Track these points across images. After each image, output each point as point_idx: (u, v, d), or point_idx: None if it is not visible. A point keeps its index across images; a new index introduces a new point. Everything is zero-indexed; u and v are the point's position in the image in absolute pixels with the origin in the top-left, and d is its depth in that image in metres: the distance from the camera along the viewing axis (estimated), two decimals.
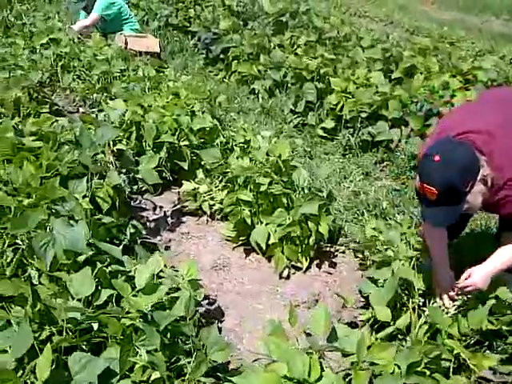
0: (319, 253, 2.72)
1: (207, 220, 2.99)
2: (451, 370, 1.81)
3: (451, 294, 2.06)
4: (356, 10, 10.70)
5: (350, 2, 11.49)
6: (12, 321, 1.66)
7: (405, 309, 2.12)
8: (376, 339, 1.96)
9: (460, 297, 2.05)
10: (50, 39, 4.91)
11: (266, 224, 2.61)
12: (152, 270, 1.71)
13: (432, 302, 2.09)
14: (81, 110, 4.27)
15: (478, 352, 1.89)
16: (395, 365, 1.64)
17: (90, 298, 1.69)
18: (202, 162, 3.23)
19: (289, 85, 4.86)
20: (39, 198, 1.99)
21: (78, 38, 5.20)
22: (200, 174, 3.20)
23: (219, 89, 5.24)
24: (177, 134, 3.11)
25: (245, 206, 2.61)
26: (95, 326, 1.58)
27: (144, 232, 2.58)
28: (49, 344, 1.43)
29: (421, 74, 5.03)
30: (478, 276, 1.96)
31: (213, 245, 2.80)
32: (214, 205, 2.96)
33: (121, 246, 2.00)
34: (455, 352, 1.83)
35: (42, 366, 1.38)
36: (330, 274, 2.65)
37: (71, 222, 1.93)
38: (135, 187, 2.90)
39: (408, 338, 2.03)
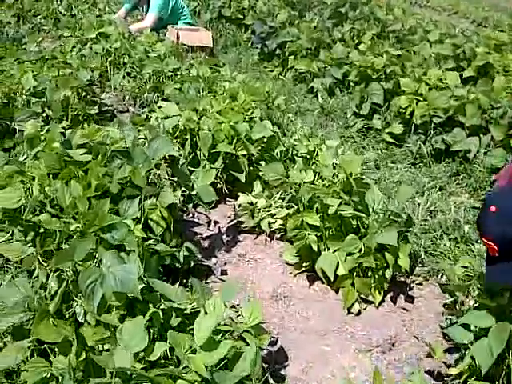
0: (393, 284, 2.42)
1: (266, 239, 2.74)
2: None
3: None
4: None
5: None
6: (54, 373, 1.47)
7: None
8: None
9: None
10: (100, 33, 4.77)
11: (334, 251, 2.34)
12: (213, 322, 1.47)
13: None
14: (131, 109, 4.11)
15: None
16: None
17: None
18: (261, 173, 2.99)
19: (351, 83, 4.54)
20: (87, 224, 1.79)
21: (129, 33, 5.06)
22: (258, 185, 2.95)
23: (275, 87, 4.98)
24: (234, 142, 2.87)
25: (311, 230, 2.34)
26: None
27: (198, 254, 2.36)
28: None
29: (497, 73, 4.60)
30: None
31: (272, 269, 2.54)
32: (273, 223, 2.71)
33: (176, 285, 1.78)
34: None
35: None
36: (407, 310, 2.35)
37: (122, 254, 1.72)
38: (190, 205, 2.67)
39: None
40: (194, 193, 2.39)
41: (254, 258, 2.61)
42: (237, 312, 1.83)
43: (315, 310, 2.32)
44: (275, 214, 2.75)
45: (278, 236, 2.75)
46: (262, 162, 3.00)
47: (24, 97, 3.25)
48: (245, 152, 2.86)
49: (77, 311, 1.70)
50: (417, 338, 2.10)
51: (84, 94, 3.66)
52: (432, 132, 3.66)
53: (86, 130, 2.20)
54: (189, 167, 2.95)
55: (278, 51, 5.24)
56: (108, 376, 1.44)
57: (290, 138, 3.23)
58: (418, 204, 3.19)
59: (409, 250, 2.30)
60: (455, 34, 5.90)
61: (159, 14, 5.61)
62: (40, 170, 2.10)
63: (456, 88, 3.71)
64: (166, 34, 5.45)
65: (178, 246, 2.25)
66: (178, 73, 3.65)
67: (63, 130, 3.09)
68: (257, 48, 5.70)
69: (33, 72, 3.45)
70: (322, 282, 2.44)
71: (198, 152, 2.92)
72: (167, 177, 2.33)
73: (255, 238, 2.77)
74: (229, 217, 2.92)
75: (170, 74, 3.62)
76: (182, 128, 2.86)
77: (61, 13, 6.16)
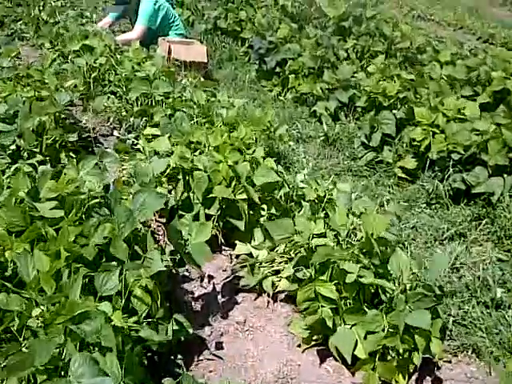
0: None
1: (268, 301, 2.41)
2: None
3: None
4: (421, 12, 9.93)
5: (412, 2, 10.73)
6: None
7: None
8: None
9: None
10: (84, 45, 4.44)
11: (352, 325, 2.02)
12: None
13: None
14: (115, 133, 3.77)
15: None
16: None
17: None
18: (261, 219, 2.67)
19: (357, 108, 4.25)
20: (54, 313, 1.45)
21: (116, 45, 4.73)
22: (258, 233, 2.63)
23: (274, 109, 4.67)
24: (233, 185, 2.55)
25: (325, 302, 2.01)
26: None
27: (190, 328, 2.02)
28: None
29: None
30: None
31: (276, 341, 2.21)
32: (278, 281, 2.38)
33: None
34: None
35: None
36: None
37: (96, 354, 1.38)
38: (182, 269, 2.34)
39: None
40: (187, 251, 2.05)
41: (255, 326, 2.28)
42: None
43: None
44: (279, 271, 2.43)
45: (283, 296, 2.43)
46: (264, 206, 2.69)
47: None
48: (245, 196, 2.54)
49: None
50: None
51: (62, 117, 3.32)
52: (450, 169, 3.36)
53: (57, 183, 1.85)
54: (180, 211, 2.65)
55: (277, 69, 4.92)
56: None
57: (296, 176, 2.91)
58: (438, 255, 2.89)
59: (440, 327, 1.99)
60: (466, 53, 5.63)
61: (148, 24, 5.29)
62: None
63: (477, 121, 3.42)
64: (156, 47, 5.13)
65: (166, 319, 1.92)
66: (170, 97, 3.31)
67: (36, 164, 2.78)
68: (255, 64, 5.39)
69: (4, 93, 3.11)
70: (336, 360, 2.12)
71: (192, 194, 2.60)
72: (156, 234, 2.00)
73: (255, 299, 2.44)
74: (224, 270, 2.59)
75: (160, 97, 3.28)
76: (174, 165, 2.53)
77: (43, 19, 5.80)
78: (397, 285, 2.04)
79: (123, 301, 1.65)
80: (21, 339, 1.47)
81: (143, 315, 1.74)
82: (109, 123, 3.86)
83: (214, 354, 2.10)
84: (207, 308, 2.33)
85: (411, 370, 2.03)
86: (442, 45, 5.88)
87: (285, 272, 2.37)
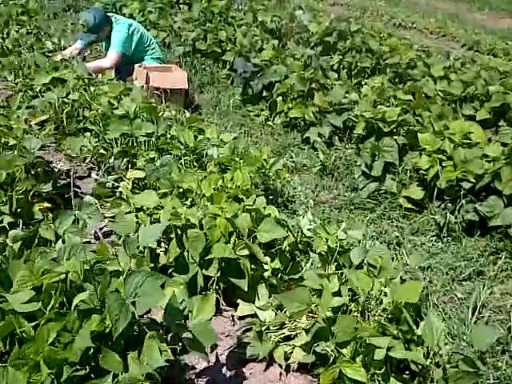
0: None
1: (280, 373, 2.16)
2: None
3: None
4: (401, 20, 9.85)
5: (391, 10, 10.67)
6: None
7: None
8: None
9: None
10: (54, 78, 4.18)
11: None
12: None
13: None
14: (93, 174, 3.50)
15: None
16: None
17: None
18: (266, 274, 2.44)
19: (353, 133, 4.05)
20: None
21: (89, 74, 4.48)
22: (262, 290, 2.40)
23: (264, 135, 4.46)
24: (232, 240, 2.31)
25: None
26: None
27: None
28: None
29: None
30: None
31: None
32: (290, 353, 2.14)
33: None
34: None
35: None
36: None
37: None
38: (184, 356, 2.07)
39: None
40: (187, 336, 1.80)
41: None
42: None
43: None
44: (292, 337, 2.19)
45: (296, 366, 2.19)
46: (267, 258, 2.45)
47: None
48: (247, 252, 2.30)
49: None
50: None
51: (34, 163, 3.04)
52: (462, 200, 3.17)
53: (32, 273, 1.58)
54: (173, 273, 2.40)
55: (264, 93, 4.71)
56: None
57: (299, 220, 2.68)
58: (459, 299, 2.69)
59: None
60: (458, 66, 5.49)
61: (122, 50, 5.05)
62: None
63: (487, 147, 3.24)
64: (130, 74, 4.89)
65: None
66: (153, 136, 3.06)
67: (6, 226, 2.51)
68: (238, 87, 5.17)
69: None
70: None
71: (186, 253, 2.35)
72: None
73: (266, 370, 2.19)
74: (227, 335, 2.34)
75: (143, 138, 3.03)
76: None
77: (7, 48, 5.50)
78: (431, 355, 1.82)
79: None
80: None
81: None
82: (85, 163, 3.60)
83: None
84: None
85: None
86: (433, 58, 5.73)
87: (298, 340, 2.13)
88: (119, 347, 1.56)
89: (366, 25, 7.13)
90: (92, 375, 1.53)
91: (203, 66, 5.53)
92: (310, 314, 2.18)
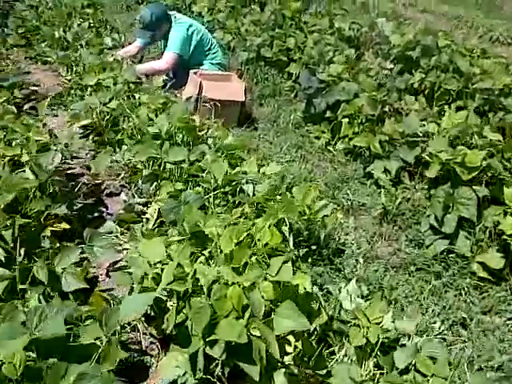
0: None
1: None
2: None
3: None
4: (499, 34, 8.96)
5: (489, 22, 9.75)
6: None
7: None
8: None
9: None
10: (99, 81, 3.94)
11: None
12: None
13: None
14: (123, 195, 3.20)
15: None
16: None
17: None
18: (286, 359, 1.98)
19: (425, 173, 3.48)
20: None
21: (138, 79, 4.20)
22: (280, 378, 1.96)
23: (321, 161, 3.99)
24: (246, 317, 1.87)
25: None
26: None
27: None
28: None
29: None
30: None
31: None
32: None
33: None
34: None
35: None
36: None
37: None
38: None
39: None
40: None
41: None
42: None
43: None
44: None
45: None
46: (291, 338, 2.00)
47: None
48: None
49: None
50: None
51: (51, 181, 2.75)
52: None
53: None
54: (173, 344, 2.00)
55: (328, 113, 4.22)
56: None
57: (339, 292, 2.21)
58: None
59: None
60: None
61: (180, 52, 4.73)
62: None
63: None
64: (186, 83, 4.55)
65: None
66: (184, 163, 2.68)
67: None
68: (302, 102, 4.70)
69: None
70: None
71: (189, 322, 1.94)
72: None
73: None
74: None
75: (170, 165, 2.65)
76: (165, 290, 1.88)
77: (67, 41, 5.36)
78: None
79: None
80: None
81: None
82: (118, 180, 3.31)
83: None
84: None
85: None
86: None
87: None
88: None
89: (456, 38, 6.42)
90: None
91: (266, 76, 5.11)
92: None
